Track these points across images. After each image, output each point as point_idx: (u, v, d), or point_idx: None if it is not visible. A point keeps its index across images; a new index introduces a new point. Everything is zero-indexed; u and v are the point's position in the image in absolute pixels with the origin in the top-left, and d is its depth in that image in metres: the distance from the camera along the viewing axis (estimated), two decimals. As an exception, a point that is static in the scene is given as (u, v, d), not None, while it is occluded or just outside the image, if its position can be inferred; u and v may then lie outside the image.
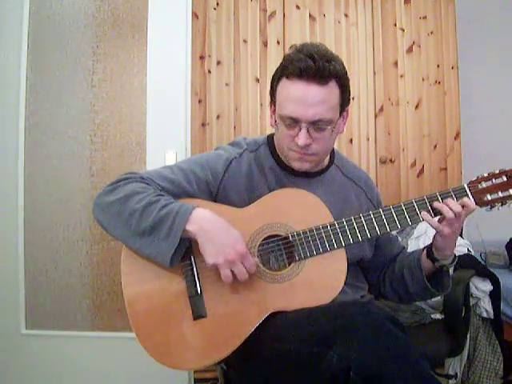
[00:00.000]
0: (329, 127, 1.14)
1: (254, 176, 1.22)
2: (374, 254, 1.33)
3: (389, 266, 1.35)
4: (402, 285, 1.29)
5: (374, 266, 1.35)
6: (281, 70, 1.15)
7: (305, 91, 1.10)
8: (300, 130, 1.12)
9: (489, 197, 1.14)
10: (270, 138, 1.29)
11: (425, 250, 1.24)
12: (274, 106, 1.19)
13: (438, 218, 1.14)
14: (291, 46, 1.17)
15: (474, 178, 1.16)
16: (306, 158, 1.18)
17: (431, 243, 1.21)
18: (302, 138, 1.12)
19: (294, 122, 1.13)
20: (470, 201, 1.12)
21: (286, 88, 1.13)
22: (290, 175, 1.24)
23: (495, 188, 1.14)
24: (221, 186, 1.20)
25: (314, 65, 1.09)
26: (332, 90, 1.12)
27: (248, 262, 1.07)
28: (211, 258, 1.06)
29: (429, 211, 1.14)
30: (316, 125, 1.12)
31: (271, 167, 1.24)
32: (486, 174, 1.15)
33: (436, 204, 1.13)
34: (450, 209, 1.11)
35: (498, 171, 1.15)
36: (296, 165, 1.19)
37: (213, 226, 1.07)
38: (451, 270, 1.30)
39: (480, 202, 1.14)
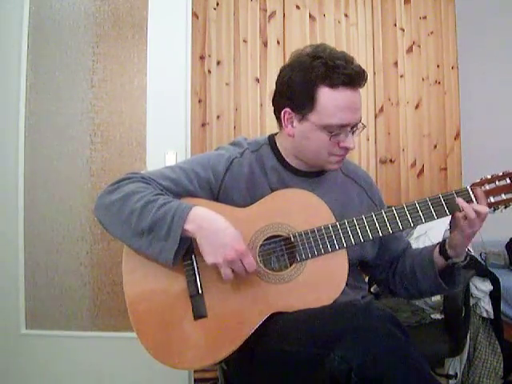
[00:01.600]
0: (360, 125, 1.18)
1: (256, 175, 1.22)
2: (379, 253, 1.32)
3: (397, 262, 1.34)
4: (414, 282, 1.28)
5: (382, 263, 1.35)
6: (319, 79, 1.12)
7: (352, 98, 1.13)
8: (346, 135, 1.15)
9: (492, 199, 1.13)
10: (272, 138, 1.29)
11: (437, 247, 1.23)
12: (302, 114, 1.16)
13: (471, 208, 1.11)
14: (304, 51, 1.17)
15: (478, 180, 1.14)
16: (343, 159, 1.22)
17: (444, 240, 1.21)
18: (352, 142, 1.16)
19: (339, 129, 1.14)
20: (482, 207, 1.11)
21: (333, 97, 1.12)
22: (291, 175, 1.24)
23: (498, 190, 1.13)
24: (222, 186, 1.20)
25: (357, 69, 1.12)
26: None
27: (247, 260, 1.06)
28: (210, 257, 1.06)
29: (432, 213, 1.13)
30: (355, 127, 1.16)
31: (273, 167, 1.24)
32: (489, 176, 1.14)
33: (459, 201, 1.11)
34: (475, 210, 1.10)
35: (501, 173, 1.13)
36: (335, 167, 1.22)
37: (211, 225, 1.07)
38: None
39: None
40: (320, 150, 1.18)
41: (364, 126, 1.19)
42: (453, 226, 1.16)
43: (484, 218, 1.11)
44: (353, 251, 1.19)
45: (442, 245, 1.21)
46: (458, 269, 1.23)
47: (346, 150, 1.18)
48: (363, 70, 1.14)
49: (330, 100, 1.12)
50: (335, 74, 1.10)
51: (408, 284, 1.30)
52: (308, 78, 1.13)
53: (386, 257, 1.34)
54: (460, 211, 1.11)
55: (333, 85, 1.11)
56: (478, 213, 1.09)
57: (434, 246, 1.25)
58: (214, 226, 1.07)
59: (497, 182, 1.13)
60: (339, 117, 1.12)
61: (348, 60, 1.13)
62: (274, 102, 1.24)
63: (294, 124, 1.18)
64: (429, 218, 1.14)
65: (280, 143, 1.26)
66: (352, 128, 1.16)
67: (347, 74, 1.10)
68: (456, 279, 1.24)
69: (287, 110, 1.18)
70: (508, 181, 1.12)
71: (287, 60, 1.22)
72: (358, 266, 1.32)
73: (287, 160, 1.25)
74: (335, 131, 1.14)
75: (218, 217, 1.09)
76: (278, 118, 1.23)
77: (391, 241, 1.33)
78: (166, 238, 1.07)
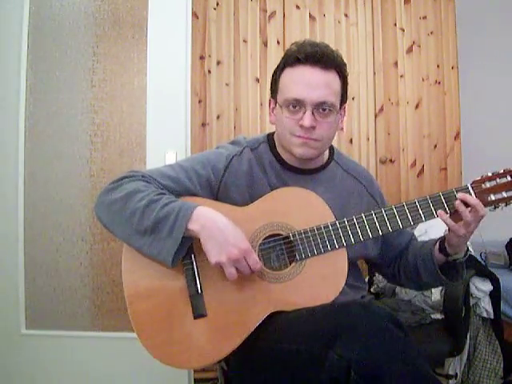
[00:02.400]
0: (333, 113, 1.16)
1: (255, 173, 1.22)
2: (383, 250, 1.33)
3: (401, 256, 1.35)
4: (418, 277, 1.29)
5: (387, 260, 1.36)
6: (283, 63, 1.19)
7: (310, 74, 1.14)
8: (305, 112, 1.14)
9: (492, 197, 1.13)
10: (270, 136, 1.30)
11: (437, 244, 1.23)
12: (275, 99, 1.22)
13: (451, 217, 1.13)
14: (292, 44, 1.20)
15: (478, 178, 1.14)
16: (310, 144, 1.18)
17: (443, 237, 1.21)
18: (307, 119, 1.14)
19: (298, 105, 1.14)
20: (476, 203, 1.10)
21: (290, 74, 1.17)
22: (290, 172, 1.25)
23: (499, 188, 1.13)
24: (221, 184, 1.20)
25: (318, 50, 1.13)
26: (334, 77, 1.16)
27: (251, 259, 1.06)
28: (214, 256, 1.06)
29: (432, 212, 1.13)
30: (320, 107, 1.15)
31: (271, 165, 1.25)
32: (490, 174, 1.14)
33: (457, 203, 1.11)
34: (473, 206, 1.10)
35: (502, 171, 1.13)
36: (299, 151, 1.18)
37: (215, 225, 1.07)
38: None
39: (484, 202, 1.12)
40: (284, 132, 1.19)
41: (335, 114, 1.17)
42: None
43: (481, 218, 1.11)
44: (354, 250, 1.19)
45: (441, 242, 1.21)
46: (459, 263, 1.23)
47: (307, 130, 1.15)
48: (332, 52, 1.16)
49: (287, 77, 1.18)
50: (294, 54, 1.15)
51: (412, 278, 1.31)
52: (279, 64, 1.20)
53: (390, 253, 1.35)
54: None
55: (292, 63, 1.16)
56: (475, 211, 1.09)
57: (434, 242, 1.25)
58: (217, 226, 1.07)
59: (497, 180, 1.13)
60: (294, 90, 1.14)
61: (317, 44, 1.16)
62: None
63: (274, 111, 1.23)
64: (429, 216, 1.14)
65: (275, 139, 1.28)
66: (315, 108, 1.14)
67: (304, 52, 1.14)
68: (458, 273, 1.24)
69: (271, 99, 1.25)
70: (509, 178, 1.12)
71: None
72: (367, 264, 1.34)
73: (283, 157, 1.25)
74: (292, 107, 1.15)
75: (221, 216, 1.09)
76: None
77: (394, 237, 1.33)
78: (168, 237, 1.07)
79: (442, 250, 1.21)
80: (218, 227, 1.07)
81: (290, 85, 1.16)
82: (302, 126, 1.15)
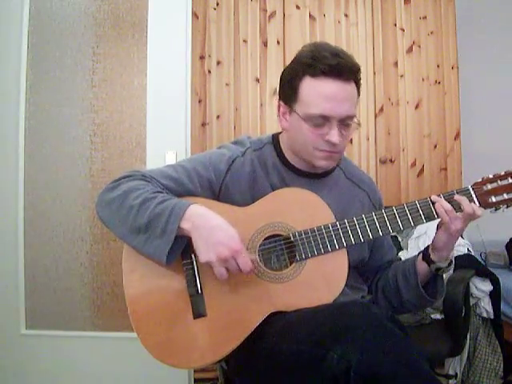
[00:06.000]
0: (354, 123, 1.15)
1: (257, 175, 1.22)
2: (369, 258, 1.31)
3: (382, 272, 1.33)
4: (395, 292, 1.26)
5: (368, 270, 1.33)
6: (303, 69, 1.13)
7: (335, 88, 1.11)
8: (330, 128, 1.12)
9: (493, 199, 1.12)
10: (275, 137, 1.28)
11: (420, 254, 1.23)
12: (289, 105, 1.17)
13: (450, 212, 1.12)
14: (303, 47, 1.17)
15: (479, 180, 1.13)
16: (334, 157, 1.18)
17: (427, 246, 1.21)
18: (335, 136, 1.12)
19: (324, 121, 1.12)
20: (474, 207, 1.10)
21: (315, 87, 1.12)
22: (293, 175, 1.24)
23: (500, 190, 1.12)
24: (223, 185, 1.20)
25: (341, 62, 1.10)
26: (353, 87, 1.14)
27: (242, 259, 1.05)
28: (203, 255, 1.05)
29: (432, 213, 1.12)
30: (345, 121, 1.13)
31: (275, 166, 1.24)
32: (491, 176, 1.13)
33: (457, 197, 1.11)
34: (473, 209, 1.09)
35: (503, 172, 1.13)
36: (322, 164, 1.18)
37: (207, 223, 1.06)
38: (450, 272, 1.28)
39: (485, 204, 1.11)
40: (306, 144, 1.16)
41: (359, 124, 1.16)
42: (440, 223, 1.15)
43: (474, 219, 1.11)
44: (353, 254, 1.19)
45: (425, 249, 1.21)
46: (440, 277, 1.22)
47: (332, 145, 1.14)
48: (352, 63, 1.12)
49: (310, 89, 1.12)
50: (318, 64, 1.10)
51: (390, 294, 1.28)
52: (294, 68, 1.15)
53: (370, 264, 1.32)
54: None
55: (314, 74, 1.11)
56: (474, 213, 1.09)
57: (417, 254, 1.24)
58: (209, 225, 1.06)
59: (499, 182, 1.12)
60: (320, 107, 1.11)
61: (337, 52, 1.11)
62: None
63: (287, 117, 1.19)
64: (429, 217, 1.13)
65: (282, 141, 1.26)
66: (340, 122, 1.13)
67: (329, 64, 1.10)
68: (438, 289, 1.23)
69: (281, 103, 1.20)
70: (510, 180, 1.12)
71: (288, 60, 1.23)
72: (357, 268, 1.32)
73: (289, 159, 1.24)
74: (317, 122, 1.12)
75: (214, 215, 1.08)
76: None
77: (377, 249, 1.32)
78: (162, 236, 1.06)
79: (426, 257, 1.19)
80: (210, 226, 1.06)
81: (316, 100, 1.11)
82: (327, 141, 1.14)
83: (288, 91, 1.16)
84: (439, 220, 1.14)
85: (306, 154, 1.18)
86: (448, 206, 1.11)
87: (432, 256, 1.18)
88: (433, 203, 1.13)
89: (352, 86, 1.13)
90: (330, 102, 1.10)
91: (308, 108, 1.12)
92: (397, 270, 1.28)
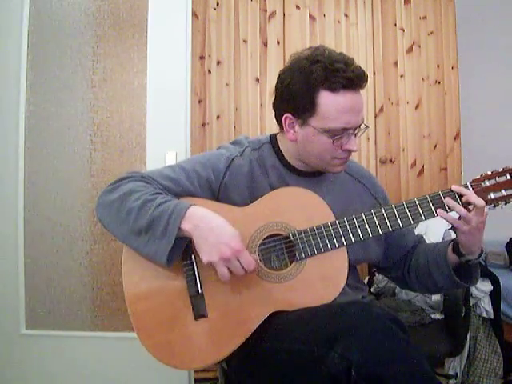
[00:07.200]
0: (363, 127, 1.17)
1: (256, 174, 1.22)
2: (388, 253, 1.31)
3: (410, 259, 1.33)
4: (430, 280, 1.26)
5: (394, 263, 1.34)
6: (317, 83, 1.11)
7: (353, 100, 1.12)
8: (349, 137, 1.15)
9: (492, 195, 1.13)
10: (274, 137, 1.29)
11: (450, 245, 1.22)
12: (303, 119, 1.15)
13: (452, 213, 1.13)
14: (301, 54, 1.16)
15: (478, 176, 1.14)
16: (347, 161, 1.21)
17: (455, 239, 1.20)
18: (355, 145, 1.16)
19: (343, 131, 1.14)
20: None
21: (335, 101, 1.11)
22: (292, 174, 1.24)
23: (499, 186, 1.12)
24: (222, 185, 1.20)
25: (357, 72, 1.11)
26: (361, 94, 1.16)
27: (244, 258, 1.05)
28: (206, 255, 1.05)
29: (431, 210, 1.13)
30: (358, 128, 1.16)
31: (274, 166, 1.24)
32: (489, 172, 1.14)
33: (447, 200, 1.11)
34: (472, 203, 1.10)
35: (501, 169, 1.14)
36: (339, 169, 1.22)
37: (208, 224, 1.06)
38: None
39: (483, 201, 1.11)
40: (323, 154, 1.17)
41: (367, 127, 1.19)
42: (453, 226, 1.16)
43: (481, 212, 1.10)
44: (354, 253, 1.19)
45: (455, 242, 1.20)
46: (473, 265, 1.21)
47: (349, 152, 1.17)
48: (363, 72, 1.13)
49: (331, 104, 1.11)
50: (335, 78, 1.10)
51: (425, 280, 1.29)
52: (308, 82, 1.12)
53: (396, 255, 1.33)
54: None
55: (333, 88, 1.11)
56: (473, 206, 1.09)
57: (447, 243, 1.24)
58: (210, 225, 1.06)
59: (497, 178, 1.13)
60: (342, 120, 1.12)
61: (347, 62, 1.12)
62: (275, 106, 1.23)
63: (296, 129, 1.18)
64: (429, 215, 1.14)
65: (282, 143, 1.26)
66: (354, 130, 1.15)
67: (347, 77, 1.10)
68: (472, 275, 1.22)
69: (288, 115, 1.17)
70: (508, 177, 1.12)
71: (286, 63, 1.21)
72: (377, 270, 1.33)
73: (288, 160, 1.25)
74: (338, 134, 1.13)
75: (215, 216, 1.08)
76: (279, 122, 1.22)
77: (398, 238, 1.31)
78: (162, 237, 1.06)
79: (456, 249, 1.19)
80: (211, 227, 1.06)
81: (336, 114, 1.11)
82: (345, 150, 1.16)
83: (302, 105, 1.14)
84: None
85: (323, 163, 1.19)
86: (450, 216, 1.12)
87: (461, 250, 1.17)
88: (432, 203, 1.13)
89: (361, 94, 1.15)
90: (349, 114, 1.12)
91: (328, 122, 1.12)
92: (428, 257, 1.27)
